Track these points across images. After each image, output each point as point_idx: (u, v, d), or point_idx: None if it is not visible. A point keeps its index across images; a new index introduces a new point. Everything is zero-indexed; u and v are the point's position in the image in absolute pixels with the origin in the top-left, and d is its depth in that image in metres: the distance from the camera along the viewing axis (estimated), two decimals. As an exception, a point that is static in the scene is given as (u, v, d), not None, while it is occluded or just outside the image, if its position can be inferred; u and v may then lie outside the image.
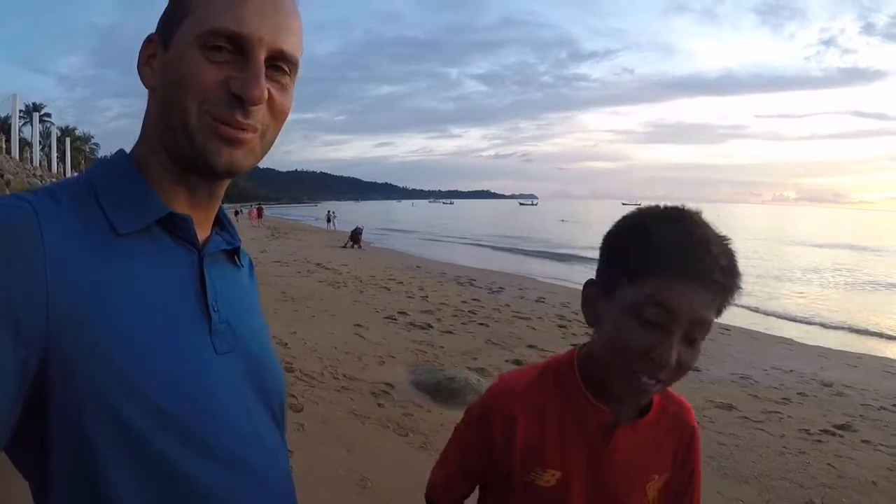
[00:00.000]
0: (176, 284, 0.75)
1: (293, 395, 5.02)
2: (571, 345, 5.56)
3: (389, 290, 12.45)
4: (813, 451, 4.99)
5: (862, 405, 6.47)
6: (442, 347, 7.49)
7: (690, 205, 0.99)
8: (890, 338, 12.26)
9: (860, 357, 9.50)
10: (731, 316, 13.55)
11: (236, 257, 0.91)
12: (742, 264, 0.94)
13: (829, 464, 4.75)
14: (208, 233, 0.84)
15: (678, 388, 1.05)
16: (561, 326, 9.79)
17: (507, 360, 7.11)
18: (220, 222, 0.88)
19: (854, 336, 12.26)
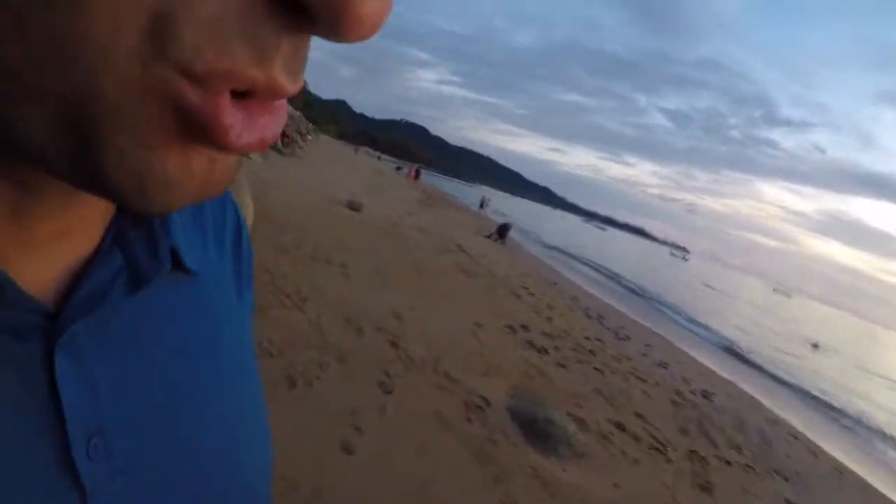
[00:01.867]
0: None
1: (387, 374, 4.76)
2: (679, 428, 4.98)
3: (519, 297, 12.05)
4: None
5: None
6: (551, 379, 7.04)
7: None
8: None
9: None
10: (850, 458, 12.40)
11: (183, 259, 0.42)
12: None
13: None
14: (95, 243, 0.37)
15: None
16: (675, 403, 9.06)
17: (609, 420, 6.57)
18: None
19: None
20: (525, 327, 9.13)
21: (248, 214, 4.85)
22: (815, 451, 11.06)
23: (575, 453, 5.17)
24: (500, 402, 5.49)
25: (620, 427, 6.48)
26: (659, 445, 6.58)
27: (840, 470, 10.71)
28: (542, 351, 8.17)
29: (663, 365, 11.94)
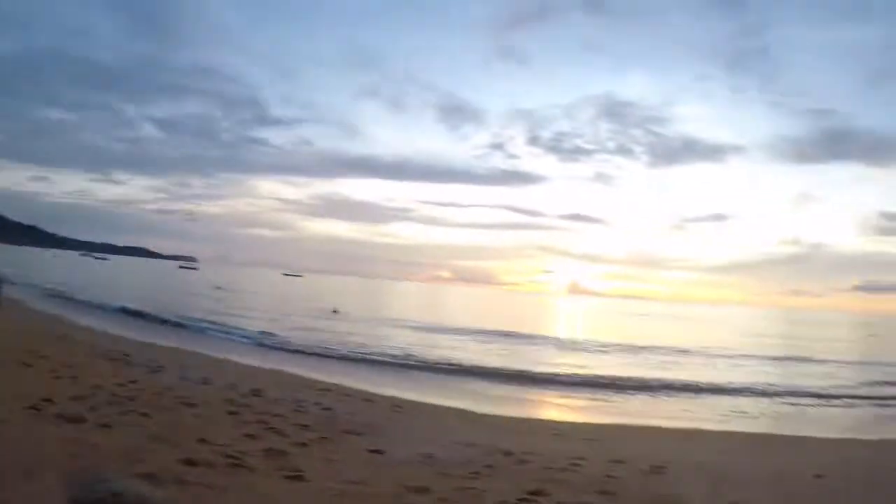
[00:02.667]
0: None
1: None
2: (246, 434, 5.05)
3: (32, 366, 10.52)
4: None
5: (545, 468, 6.90)
6: (99, 446, 6.28)
7: None
8: (551, 403, 13.85)
9: (528, 422, 10.29)
10: (401, 390, 14.25)
11: None
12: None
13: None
14: None
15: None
16: (232, 413, 9.03)
17: (178, 460, 6.16)
18: None
19: (515, 404, 13.46)
20: (49, 400, 8.01)
21: None
22: (370, 399, 12.31)
23: (159, 512, 4.81)
24: (59, 498, 4.79)
25: (191, 463, 6.16)
26: (236, 461, 6.48)
27: (397, 404, 12.15)
28: (79, 419, 7.29)
29: (206, 381, 11.81)
